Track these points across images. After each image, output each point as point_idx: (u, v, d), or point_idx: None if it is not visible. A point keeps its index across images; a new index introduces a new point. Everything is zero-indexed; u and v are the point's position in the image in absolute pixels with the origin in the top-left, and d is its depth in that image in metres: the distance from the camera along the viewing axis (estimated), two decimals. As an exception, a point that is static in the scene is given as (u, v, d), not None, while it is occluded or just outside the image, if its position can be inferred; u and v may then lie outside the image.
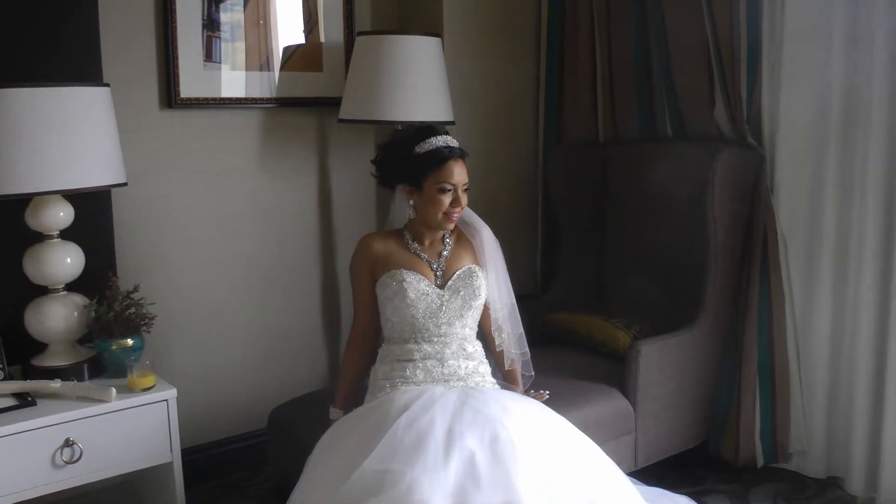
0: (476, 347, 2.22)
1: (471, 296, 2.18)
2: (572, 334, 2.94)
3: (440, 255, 2.21)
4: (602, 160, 3.16)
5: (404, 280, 2.13)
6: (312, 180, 3.03)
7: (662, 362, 2.67)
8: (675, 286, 2.88)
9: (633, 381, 2.61)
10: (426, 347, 2.12)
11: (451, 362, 2.13)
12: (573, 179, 3.20)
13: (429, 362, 2.11)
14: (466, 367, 2.15)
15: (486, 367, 2.23)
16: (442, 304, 2.15)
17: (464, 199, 2.15)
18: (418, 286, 2.14)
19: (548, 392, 2.30)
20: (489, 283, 2.23)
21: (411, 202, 2.18)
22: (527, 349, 2.26)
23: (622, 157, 3.11)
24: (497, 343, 2.25)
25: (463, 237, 2.27)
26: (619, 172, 3.10)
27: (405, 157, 2.14)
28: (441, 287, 2.18)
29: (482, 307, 2.24)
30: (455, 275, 2.18)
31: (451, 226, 2.18)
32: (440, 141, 2.14)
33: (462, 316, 2.18)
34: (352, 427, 1.95)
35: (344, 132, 3.05)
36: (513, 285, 2.30)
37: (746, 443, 2.71)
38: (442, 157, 2.10)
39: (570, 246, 3.22)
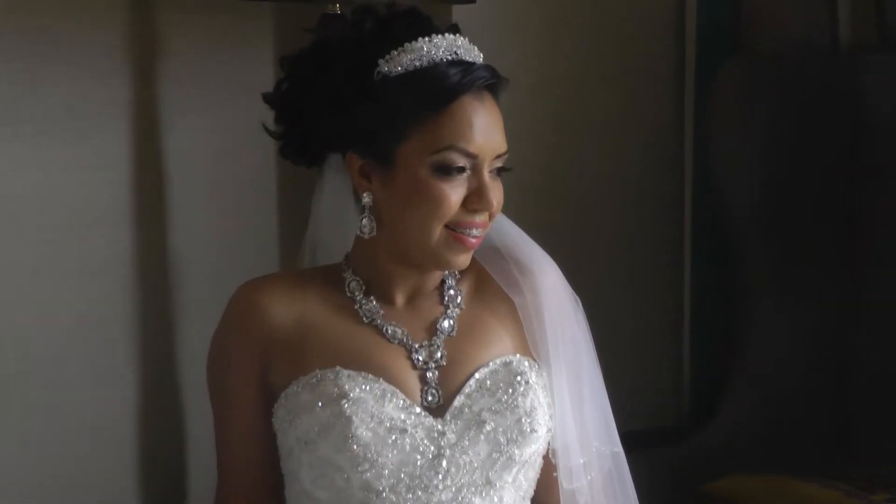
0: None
1: (512, 434, 1.95)
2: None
3: (435, 328, 2.00)
4: (849, 90, 2.96)
5: (346, 396, 1.89)
6: (118, 138, 2.78)
7: None
8: None
9: None
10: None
11: None
12: (775, 138, 2.95)
13: None
14: None
15: None
16: (441, 456, 1.90)
17: (496, 190, 1.93)
18: (381, 410, 1.91)
19: None
20: (557, 403, 2.01)
21: (365, 197, 1.95)
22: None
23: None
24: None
25: (489, 285, 2.07)
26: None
27: (353, 87, 1.95)
28: (438, 412, 1.95)
29: (540, 460, 1.99)
30: (473, 380, 1.96)
31: (466, 259, 1.96)
32: (441, 47, 1.94)
33: (491, 484, 1.93)
34: None
35: (196, 18, 2.83)
36: (617, 407, 2.10)
37: None
38: (448, 89, 1.90)
39: (764, 308, 2.95)
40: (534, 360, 2.00)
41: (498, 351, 1.99)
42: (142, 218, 2.77)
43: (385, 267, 1.96)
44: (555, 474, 1.99)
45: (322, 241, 2.11)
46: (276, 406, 1.93)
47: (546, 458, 1.98)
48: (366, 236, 1.94)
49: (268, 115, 2.04)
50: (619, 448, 2.05)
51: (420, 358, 1.95)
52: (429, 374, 1.95)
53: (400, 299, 1.98)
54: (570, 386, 2.02)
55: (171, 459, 2.88)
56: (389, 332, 1.96)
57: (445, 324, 1.99)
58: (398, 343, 1.95)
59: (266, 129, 2.04)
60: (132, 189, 2.75)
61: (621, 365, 2.34)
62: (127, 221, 2.75)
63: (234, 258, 2.79)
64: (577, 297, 2.04)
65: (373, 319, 1.95)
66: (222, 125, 2.79)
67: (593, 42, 3.10)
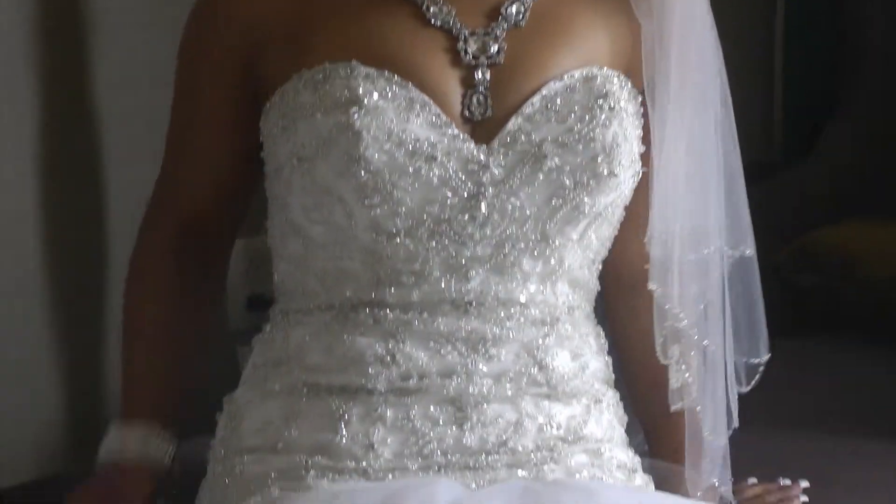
0: (590, 347, 1.81)
1: (582, 177, 1.71)
2: (881, 287, 2.58)
3: (498, 13, 1.75)
4: None
5: (358, 102, 1.68)
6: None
7: None
8: None
9: None
10: (423, 331, 1.72)
11: (504, 397, 1.72)
12: None
13: (422, 401, 1.68)
14: (554, 421, 1.74)
15: (614, 415, 1.81)
16: (480, 196, 1.70)
17: None
18: (403, 127, 1.69)
19: (803, 487, 1.92)
20: (658, 134, 1.74)
21: None
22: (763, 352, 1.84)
23: None
24: (669, 358, 1.76)
25: None
26: None
27: None
28: (482, 135, 1.70)
29: (620, 212, 1.79)
30: (537, 97, 1.72)
31: None
32: None
33: (548, 241, 1.72)
34: None
35: None
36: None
37: None
38: None
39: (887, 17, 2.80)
40: (627, 76, 1.69)
41: (581, 59, 1.67)
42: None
43: None
44: (638, 235, 1.69)
45: None
46: (267, 106, 1.66)
47: (629, 209, 1.71)
48: None
49: None
50: (752, 249, 1.71)
51: (469, 50, 1.65)
52: (478, 74, 1.64)
53: None
54: (689, 112, 1.69)
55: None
56: (431, 9, 1.66)
57: (513, 8, 1.67)
58: (440, 26, 1.65)
59: None
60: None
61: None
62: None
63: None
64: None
65: None
66: None
67: None
